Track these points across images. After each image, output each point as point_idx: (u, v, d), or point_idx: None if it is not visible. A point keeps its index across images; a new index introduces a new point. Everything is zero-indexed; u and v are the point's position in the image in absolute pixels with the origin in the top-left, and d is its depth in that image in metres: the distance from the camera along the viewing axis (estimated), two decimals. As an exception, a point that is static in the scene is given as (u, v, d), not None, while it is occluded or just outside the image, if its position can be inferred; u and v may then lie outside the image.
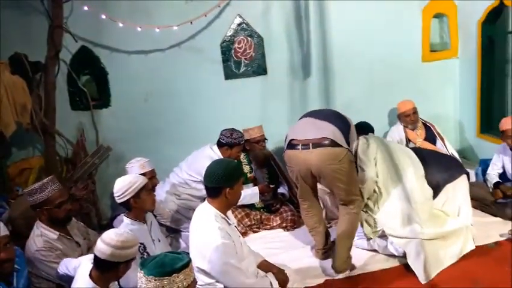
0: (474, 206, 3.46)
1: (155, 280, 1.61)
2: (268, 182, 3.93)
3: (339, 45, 4.51)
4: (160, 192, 3.64)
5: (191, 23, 4.03)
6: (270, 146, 4.21)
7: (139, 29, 3.98)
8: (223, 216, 2.36)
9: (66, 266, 2.34)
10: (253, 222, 3.79)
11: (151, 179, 3.23)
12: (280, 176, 4.13)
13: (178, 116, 4.37)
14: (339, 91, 4.61)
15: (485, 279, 2.76)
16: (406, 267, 2.98)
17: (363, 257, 3.17)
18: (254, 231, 3.79)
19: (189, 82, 4.34)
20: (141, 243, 2.57)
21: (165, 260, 1.67)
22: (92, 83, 4.25)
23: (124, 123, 4.27)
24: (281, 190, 4.08)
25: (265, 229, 3.81)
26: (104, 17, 3.90)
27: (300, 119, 3.27)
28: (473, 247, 3.09)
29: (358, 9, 4.45)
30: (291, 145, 2.98)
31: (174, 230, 3.64)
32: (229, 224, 2.39)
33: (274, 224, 3.81)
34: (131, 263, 2.09)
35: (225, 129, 3.76)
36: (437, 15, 4.75)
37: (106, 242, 1.97)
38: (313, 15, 4.42)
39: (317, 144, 2.86)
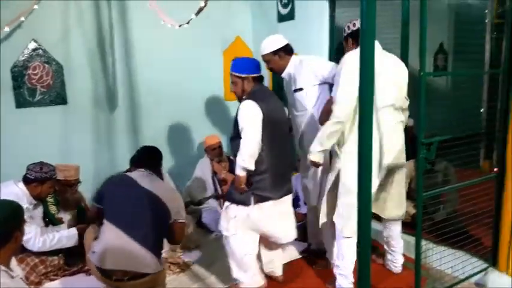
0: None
1: None
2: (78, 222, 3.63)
3: (145, 79, 4.52)
4: None
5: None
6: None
7: None
8: (5, 268, 2.03)
9: None
10: (49, 269, 3.39)
11: None
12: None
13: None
14: (146, 124, 4.60)
15: None
16: None
17: None
18: (51, 279, 3.38)
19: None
20: None
21: None
22: None
23: None
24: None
25: (64, 275, 3.45)
26: None
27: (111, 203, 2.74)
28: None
29: (165, 47, 4.54)
30: (102, 271, 2.62)
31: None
32: (12, 277, 2.07)
33: (76, 269, 3.49)
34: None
35: (32, 164, 3.30)
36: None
37: None
38: (119, 49, 4.36)
39: (132, 277, 2.60)
